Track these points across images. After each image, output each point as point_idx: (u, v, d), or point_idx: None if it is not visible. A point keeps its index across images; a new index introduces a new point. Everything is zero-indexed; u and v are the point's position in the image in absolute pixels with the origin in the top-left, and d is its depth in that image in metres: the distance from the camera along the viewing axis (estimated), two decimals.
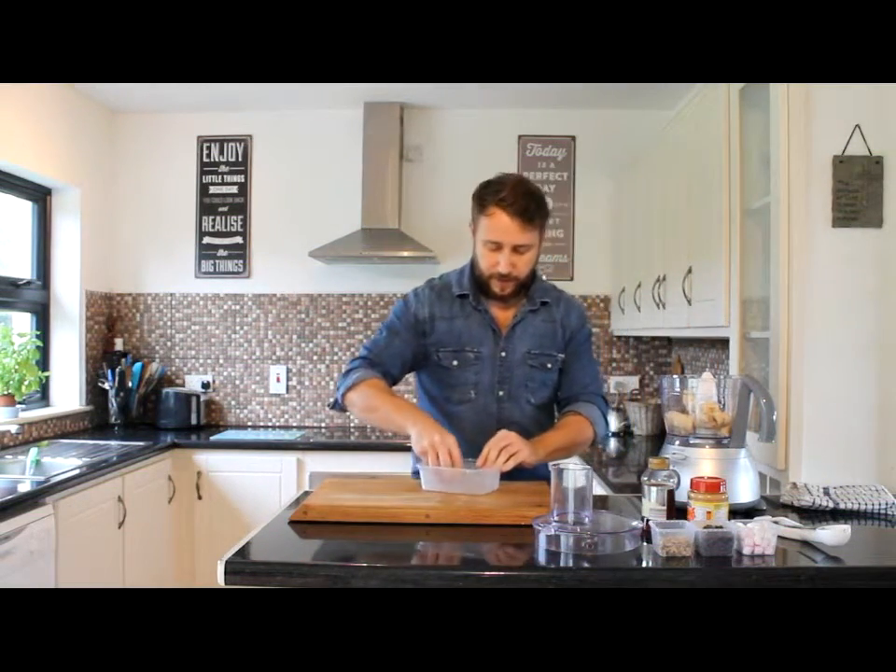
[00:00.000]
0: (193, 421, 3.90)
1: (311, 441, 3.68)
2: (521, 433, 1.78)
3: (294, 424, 4.12)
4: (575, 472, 1.40)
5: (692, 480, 1.42)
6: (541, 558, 1.32)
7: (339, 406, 1.94)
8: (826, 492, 1.69)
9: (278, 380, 4.12)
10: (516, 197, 1.78)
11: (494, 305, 1.93)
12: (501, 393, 1.91)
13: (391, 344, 1.94)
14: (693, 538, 1.30)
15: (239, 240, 4.13)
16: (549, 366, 1.94)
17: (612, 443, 3.70)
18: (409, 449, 3.55)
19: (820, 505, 1.66)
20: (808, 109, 1.93)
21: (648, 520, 1.39)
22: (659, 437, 3.60)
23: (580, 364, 1.98)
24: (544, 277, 2.09)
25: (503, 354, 1.91)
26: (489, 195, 1.81)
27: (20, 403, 3.29)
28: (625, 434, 3.85)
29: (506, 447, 1.69)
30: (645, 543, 1.36)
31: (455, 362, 1.91)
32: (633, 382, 4.05)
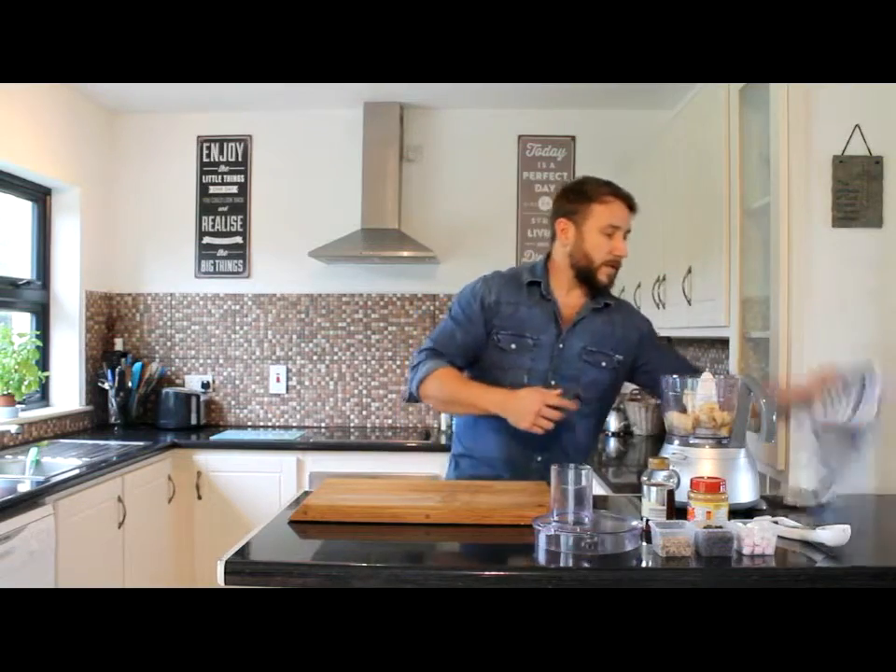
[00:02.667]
0: (193, 421, 3.90)
1: (311, 441, 3.68)
2: (565, 427, 1.87)
3: (294, 424, 4.12)
4: (575, 472, 1.40)
5: (691, 480, 1.42)
6: (541, 558, 1.32)
7: (414, 398, 1.96)
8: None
9: (278, 380, 4.12)
10: (624, 190, 1.97)
11: (561, 300, 1.99)
12: (553, 383, 1.94)
13: (455, 335, 1.97)
14: (693, 538, 1.31)
15: (239, 240, 4.13)
16: (603, 364, 1.98)
17: (612, 443, 3.70)
18: (409, 449, 3.57)
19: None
20: (808, 109, 1.93)
21: (648, 520, 1.39)
22: (659, 437, 3.60)
23: (661, 353, 2.08)
24: None
25: (561, 346, 1.95)
26: (599, 186, 1.94)
27: (20, 403, 3.29)
28: (625, 434, 3.85)
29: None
30: (645, 543, 1.36)
31: (513, 345, 1.95)
32: None
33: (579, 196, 1.95)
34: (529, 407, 1.74)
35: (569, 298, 1.99)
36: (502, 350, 1.95)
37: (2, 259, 3.58)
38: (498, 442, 1.95)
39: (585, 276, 1.95)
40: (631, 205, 1.94)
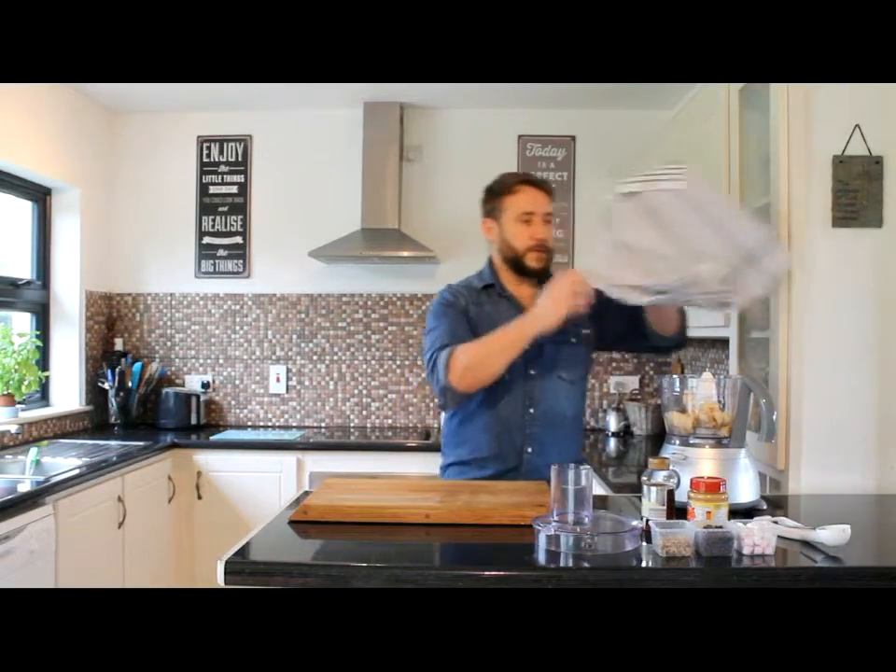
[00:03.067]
0: (193, 421, 3.90)
1: (311, 440, 3.67)
2: (551, 412, 1.95)
3: (294, 424, 4.12)
4: (575, 472, 1.40)
5: (692, 480, 1.42)
6: (541, 558, 1.32)
7: (451, 393, 1.88)
8: None
9: (278, 380, 4.12)
10: (536, 177, 2.07)
11: (516, 293, 2.02)
12: (532, 372, 1.96)
13: (449, 333, 1.94)
14: (693, 538, 1.31)
15: (239, 240, 4.13)
16: (573, 340, 1.99)
17: (612, 443, 3.70)
18: (409, 449, 3.57)
19: None
20: (808, 109, 1.93)
21: (648, 520, 1.39)
22: (659, 437, 3.60)
23: (619, 306, 1.99)
24: None
25: None
26: (510, 179, 2.02)
27: (20, 403, 3.29)
28: (625, 434, 3.85)
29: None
30: (645, 543, 1.36)
31: None
32: (633, 382, 4.05)
33: (493, 194, 2.04)
34: (563, 290, 1.75)
35: (522, 290, 2.03)
36: None
37: (2, 259, 3.58)
38: (489, 441, 1.96)
39: (517, 266, 2.00)
40: (545, 190, 2.01)
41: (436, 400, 4.02)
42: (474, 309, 2.00)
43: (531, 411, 1.96)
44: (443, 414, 2.17)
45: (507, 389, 1.94)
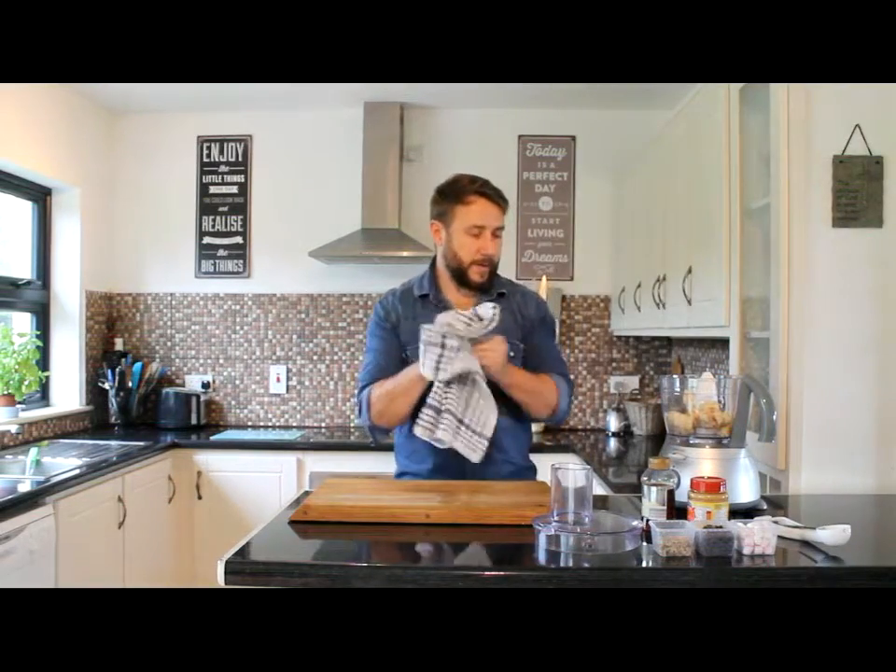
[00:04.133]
0: (193, 421, 3.90)
1: (311, 440, 3.68)
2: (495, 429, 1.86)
3: (294, 424, 4.12)
4: (575, 472, 1.40)
5: (692, 480, 1.42)
6: (541, 558, 1.32)
7: (379, 430, 1.94)
8: None
9: (278, 380, 4.12)
10: (491, 187, 1.95)
11: (455, 301, 1.98)
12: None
13: (378, 364, 1.96)
14: (693, 538, 1.31)
15: (239, 240, 4.13)
16: (511, 354, 1.94)
17: (612, 443, 3.70)
18: None
19: None
20: (808, 109, 1.93)
21: (648, 520, 1.39)
22: (659, 437, 3.60)
23: (544, 348, 2.04)
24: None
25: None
26: (465, 186, 1.93)
27: (20, 403, 3.29)
28: (625, 434, 3.85)
29: (488, 346, 1.77)
30: (645, 543, 1.36)
31: None
32: (633, 382, 4.05)
33: (445, 198, 1.96)
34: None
35: (462, 297, 1.98)
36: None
37: (2, 258, 3.58)
38: (433, 453, 1.90)
39: (458, 277, 1.96)
40: (500, 204, 1.93)
41: None
42: (406, 324, 1.97)
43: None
44: None
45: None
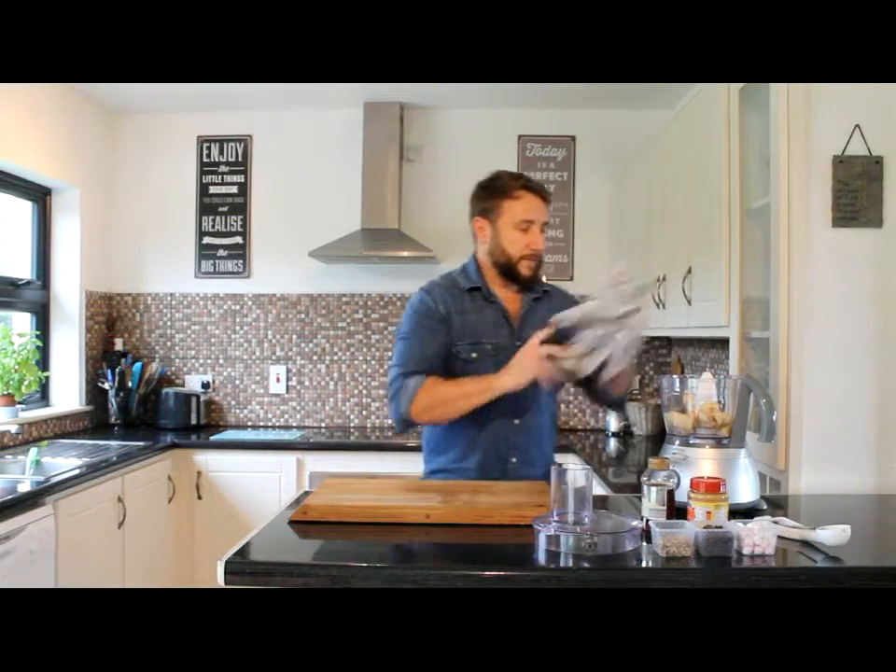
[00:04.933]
0: (193, 421, 3.90)
1: (311, 441, 3.68)
2: (535, 422, 1.92)
3: (294, 424, 4.12)
4: (575, 472, 1.40)
5: (692, 480, 1.42)
6: (541, 558, 1.32)
7: (408, 423, 1.89)
8: None
9: (278, 380, 4.12)
10: (535, 181, 1.96)
11: (501, 296, 1.98)
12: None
13: (419, 349, 1.91)
14: (693, 538, 1.31)
15: (239, 240, 4.13)
16: None
17: (612, 443, 3.70)
18: (409, 449, 3.57)
19: None
20: (808, 109, 1.93)
21: (648, 520, 1.39)
22: (659, 437, 3.60)
23: None
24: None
25: (518, 343, 1.91)
26: (510, 181, 1.94)
27: (20, 403, 3.29)
28: (625, 434, 3.85)
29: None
30: (645, 543, 1.36)
31: (473, 354, 1.93)
32: (633, 382, 4.05)
33: (491, 193, 1.96)
34: (530, 359, 1.73)
35: (508, 293, 1.99)
36: (464, 361, 1.92)
37: (2, 259, 3.58)
38: (474, 452, 1.92)
39: (507, 272, 1.95)
40: (545, 197, 1.94)
41: None
42: (458, 318, 1.95)
43: (516, 422, 1.94)
44: None
45: (495, 401, 1.87)
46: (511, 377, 1.77)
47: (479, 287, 1.98)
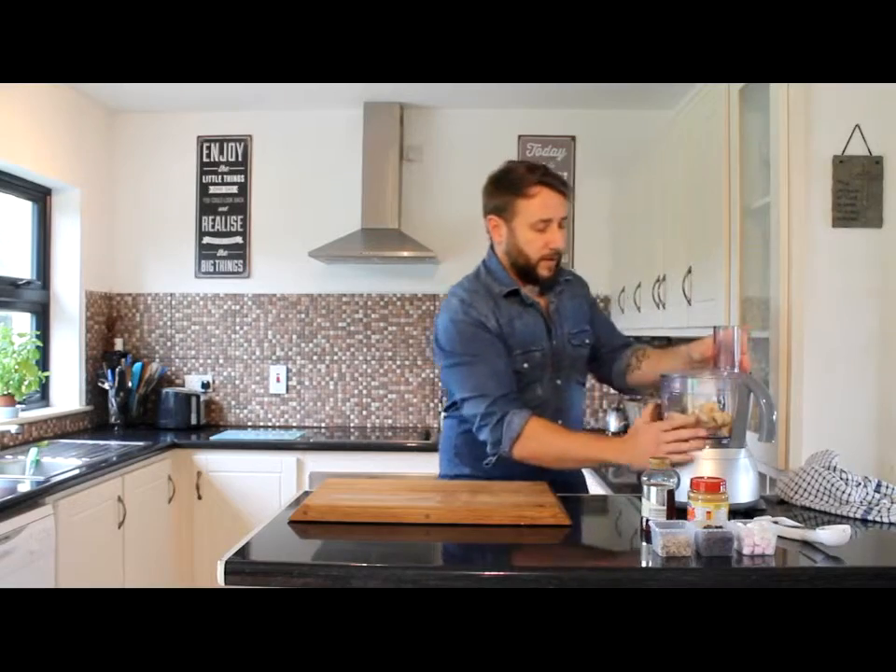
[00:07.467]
0: (193, 421, 3.90)
1: (311, 440, 3.68)
2: (575, 418, 1.89)
3: (294, 424, 4.12)
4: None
5: (692, 480, 1.42)
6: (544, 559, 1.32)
7: (501, 457, 1.75)
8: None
9: (278, 380, 4.12)
10: (552, 174, 1.80)
11: (531, 295, 1.89)
12: (559, 382, 1.88)
13: (499, 368, 1.76)
14: (693, 538, 1.30)
15: (239, 240, 4.13)
16: (587, 341, 1.95)
17: None
18: (409, 449, 3.57)
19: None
20: (808, 109, 1.93)
21: (648, 520, 1.39)
22: None
23: (606, 324, 2.08)
24: None
25: (554, 342, 1.87)
26: (524, 176, 1.78)
27: (20, 403, 3.29)
28: (625, 434, 3.84)
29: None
30: (645, 543, 1.36)
31: (525, 365, 1.82)
32: None
33: (504, 190, 1.80)
34: (650, 446, 1.58)
35: (533, 291, 1.88)
36: (518, 373, 1.81)
37: (2, 259, 3.58)
38: (507, 464, 1.77)
39: (525, 274, 1.83)
40: (563, 192, 1.79)
41: (435, 400, 4.02)
42: (507, 328, 1.80)
43: (559, 422, 1.84)
44: (449, 420, 1.96)
45: (540, 405, 1.81)
46: (626, 457, 1.65)
47: (517, 291, 1.85)
